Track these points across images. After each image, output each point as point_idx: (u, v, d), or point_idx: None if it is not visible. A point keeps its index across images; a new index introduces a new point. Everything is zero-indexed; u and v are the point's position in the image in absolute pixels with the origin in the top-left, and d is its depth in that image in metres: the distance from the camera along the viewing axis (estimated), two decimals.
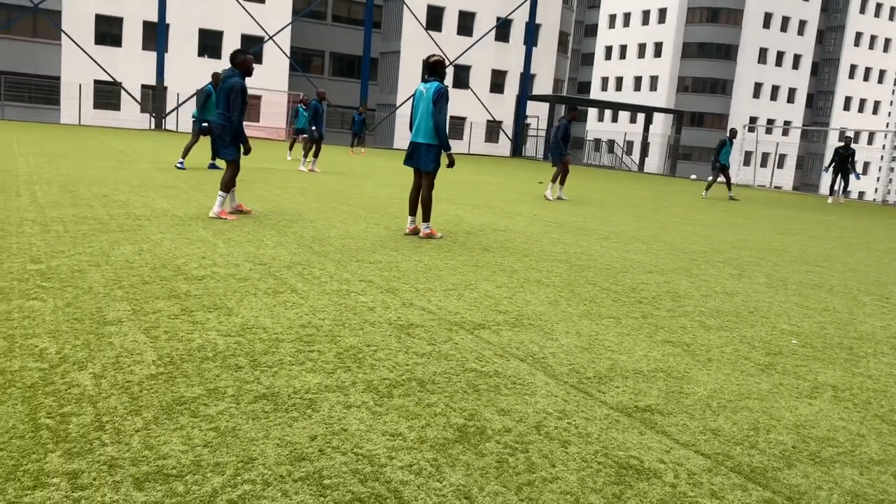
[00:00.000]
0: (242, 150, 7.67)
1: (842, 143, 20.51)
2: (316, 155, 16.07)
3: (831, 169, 20.89)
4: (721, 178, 19.16)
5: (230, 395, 2.91)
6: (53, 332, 3.50)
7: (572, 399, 3.19)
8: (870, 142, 79.00)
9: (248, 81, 40.55)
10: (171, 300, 4.23)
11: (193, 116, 14.14)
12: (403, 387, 3.16)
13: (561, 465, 2.54)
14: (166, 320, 3.84)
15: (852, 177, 20.61)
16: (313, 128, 16.13)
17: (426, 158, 7.32)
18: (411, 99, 42.95)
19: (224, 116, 7.46)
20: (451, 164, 7.52)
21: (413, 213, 7.66)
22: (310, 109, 16.16)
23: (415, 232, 7.60)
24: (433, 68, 7.28)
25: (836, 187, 21.55)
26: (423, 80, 7.39)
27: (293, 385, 3.07)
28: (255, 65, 41.43)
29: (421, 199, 7.48)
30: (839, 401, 3.49)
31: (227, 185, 7.58)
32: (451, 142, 47.94)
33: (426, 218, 7.48)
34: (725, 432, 2.97)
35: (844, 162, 20.55)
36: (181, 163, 13.57)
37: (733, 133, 18.55)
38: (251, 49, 40.38)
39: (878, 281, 7.24)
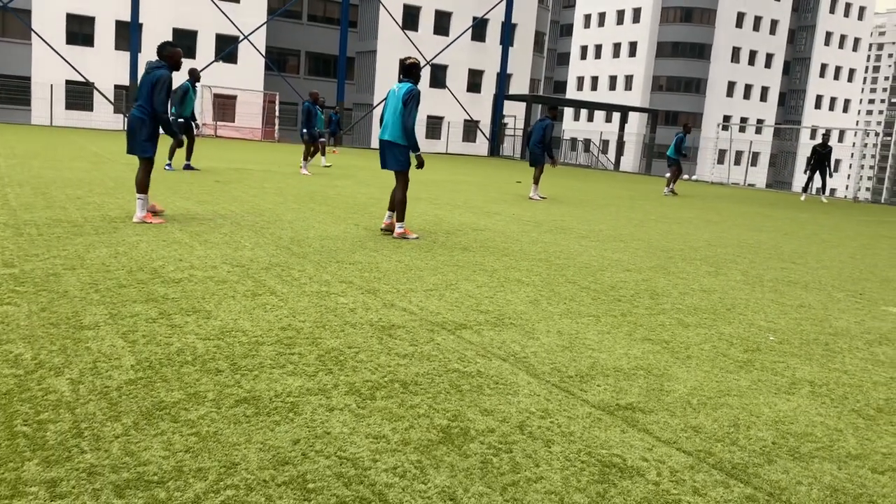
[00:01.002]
0: (175, 141, 7.49)
1: (819, 142, 20.73)
2: (310, 157, 15.81)
3: (809, 167, 21.04)
4: (686, 175, 19.77)
5: (211, 399, 2.88)
6: (28, 338, 3.44)
7: (554, 398, 3.20)
8: (840, 139, 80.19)
9: (224, 81, 40.23)
10: (148, 303, 4.18)
11: (171, 114, 13.96)
12: (386, 388, 3.15)
13: (545, 465, 2.55)
14: (144, 324, 3.79)
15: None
16: (304, 130, 15.85)
17: (393, 157, 7.38)
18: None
19: (142, 109, 7.05)
20: (419, 166, 7.49)
21: (392, 208, 7.66)
22: (303, 112, 15.90)
23: (390, 228, 7.62)
24: (408, 70, 7.35)
25: (810, 185, 21.82)
26: (399, 81, 7.42)
27: (274, 388, 3.05)
28: (230, 64, 41.17)
29: (395, 198, 7.48)
30: (816, 396, 3.54)
31: (144, 186, 7.17)
32: (429, 141, 47.98)
33: (400, 218, 7.48)
34: (706, 429, 3.00)
35: (823, 160, 20.75)
36: (169, 164, 13.45)
37: (687, 128, 18.76)
38: (227, 49, 40.09)
39: (851, 277, 7.35)
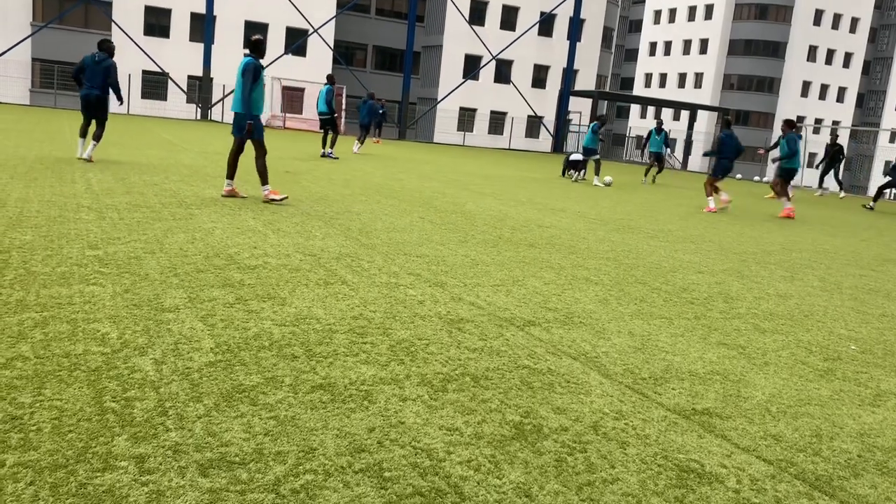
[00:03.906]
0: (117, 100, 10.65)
1: (829, 140, 21.65)
2: (359, 142, 19.94)
3: (822, 165, 22.20)
4: (666, 167, 20.39)
5: (287, 384, 2.94)
6: (114, 318, 3.57)
7: (628, 400, 3.15)
8: None
9: (293, 73, 40.98)
10: (225, 289, 4.29)
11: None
12: (457, 381, 3.16)
13: (620, 467, 2.51)
14: (222, 308, 3.89)
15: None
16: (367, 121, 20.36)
17: (235, 125, 8.17)
18: (453, 93, 43.05)
19: (103, 89, 10.75)
20: (246, 133, 8.00)
21: (229, 176, 8.29)
22: (364, 107, 20.42)
23: (231, 194, 8.26)
24: (253, 46, 8.15)
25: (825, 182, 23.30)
26: (244, 55, 8.22)
27: (349, 376, 3.09)
28: (299, 57, 41.94)
29: (256, 167, 8.20)
30: None
31: (97, 136, 10.84)
32: (492, 136, 47.84)
33: (264, 181, 8.21)
34: (787, 438, 2.90)
35: (836, 158, 21.57)
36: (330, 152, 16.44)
37: (658, 123, 19.28)
38: (296, 42, 40.80)
39: None
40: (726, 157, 13.02)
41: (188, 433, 2.43)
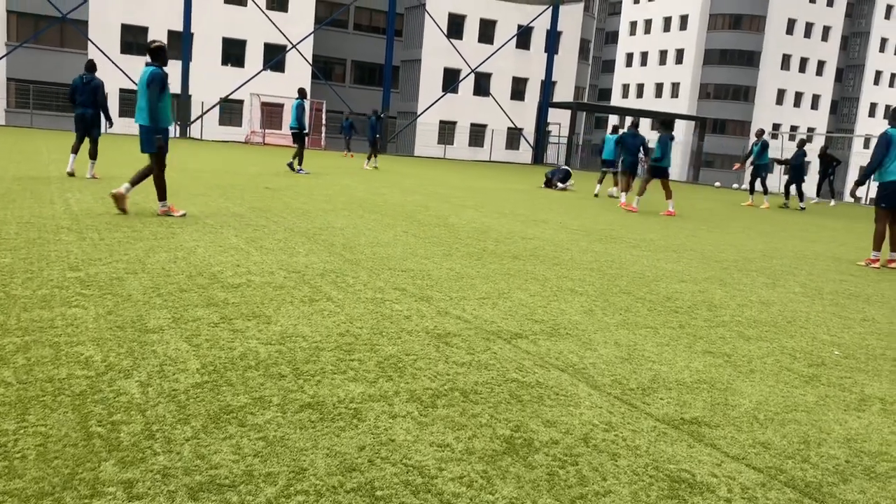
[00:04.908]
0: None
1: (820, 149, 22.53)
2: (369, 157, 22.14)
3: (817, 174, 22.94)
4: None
5: (276, 403, 2.91)
6: (97, 340, 3.52)
7: (617, 411, 3.16)
8: None
9: (272, 89, 40.89)
10: (209, 308, 4.25)
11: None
12: (447, 397, 3.15)
13: (612, 479, 2.51)
14: (207, 328, 3.86)
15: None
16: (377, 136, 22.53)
17: (144, 140, 7.84)
18: (433, 107, 43.18)
19: (95, 107, 11.49)
20: (158, 149, 7.79)
21: (133, 182, 7.93)
22: (370, 123, 22.62)
23: (120, 199, 7.76)
24: (154, 53, 7.76)
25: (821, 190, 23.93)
26: (146, 65, 7.81)
27: (337, 394, 3.07)
28: (278, 73, 41.88)
29: (150, 177, 7.93)
30: (888, 414, 3.43)
31: (93, 153, 11.37)
32: (472, 148, 48.00)
33: (161, 197, 7.92)
34: (775, 445, 2.92)
35: (829, 166, 22.29)
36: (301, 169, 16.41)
37: (614, 129, 18.76)
38: (275, 57, 40.75)
39: None
40: (630, 153, 14.51)
41: (176, 456, 2.40)
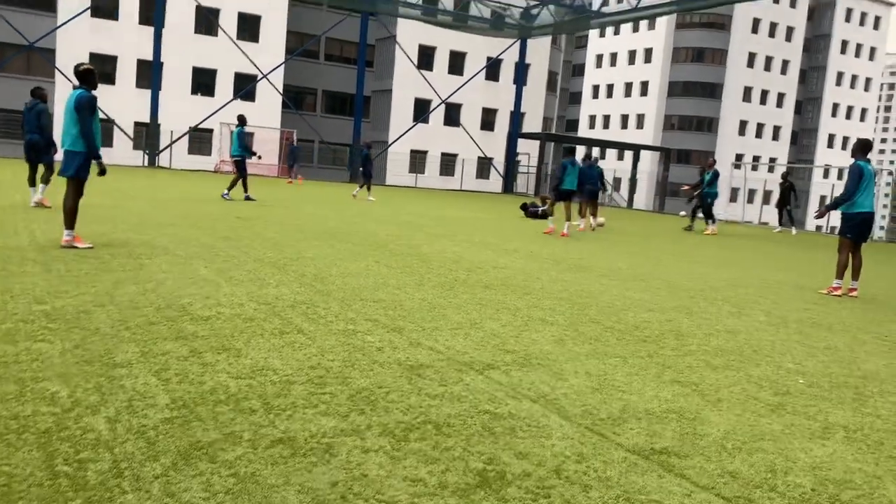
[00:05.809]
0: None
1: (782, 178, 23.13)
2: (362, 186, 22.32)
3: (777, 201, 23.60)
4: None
5: (247, 439, 2.89)
6: (63, 375, 3.47)
7: (588, 441, 3.18)
8: None
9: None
10: (178, 341, 4.21)
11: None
12: (419, 430, 3.15)
13: None
14: (176, 362, 3.81)
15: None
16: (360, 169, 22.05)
17: (67, 163, 7.56)
18: (404, 136, 43.45)
19: (40, 132, 11.27)
20: (101, 173, 7.64)
21: (69, 226, 7.52)
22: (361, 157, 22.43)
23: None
24: (83, 76, 7.55)
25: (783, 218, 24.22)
26: (74, 88, 7.67)
27: (309, 429, 3.05)
28: (248, 102, 41.90)
29: (65, 206, 7.53)
30: (852, 441, 3.50)
31: (45, 179, 11.06)
32: (444, 178, 48.24)
33: (69, 225, 7.48)
34: (743, 475, 2.97)
35: (787, 195, 22.90)
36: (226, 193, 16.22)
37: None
38: (245, 87, 40.75)
39: (875, 319, 7.29)
40: (561, 181, 14.80)
41: (146, 495, 2.36)
